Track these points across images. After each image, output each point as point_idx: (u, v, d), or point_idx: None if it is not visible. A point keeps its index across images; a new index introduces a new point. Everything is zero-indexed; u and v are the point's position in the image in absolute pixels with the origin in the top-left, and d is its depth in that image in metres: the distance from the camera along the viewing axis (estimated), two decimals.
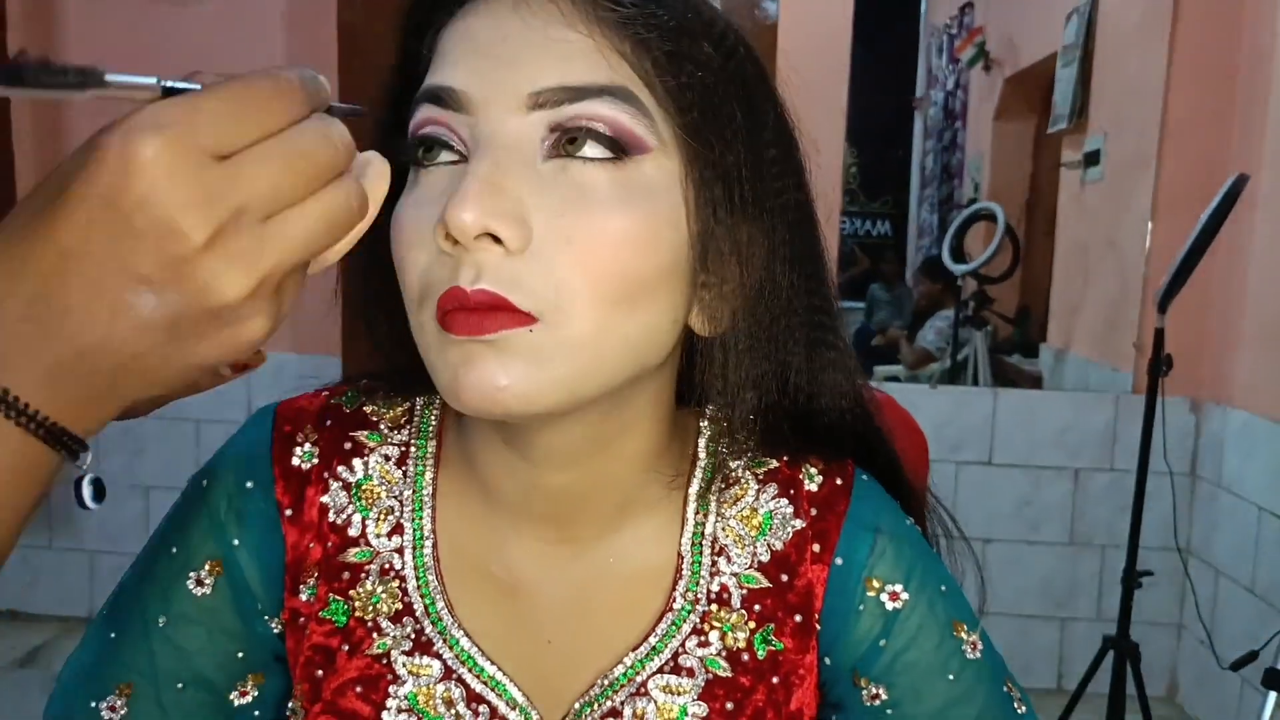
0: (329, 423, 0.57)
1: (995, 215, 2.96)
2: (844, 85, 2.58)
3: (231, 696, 0.56)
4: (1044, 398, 2.61)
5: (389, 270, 0.48)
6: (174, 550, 0.56)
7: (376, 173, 0.39)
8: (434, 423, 0.57)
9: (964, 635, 0.57)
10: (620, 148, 0.45)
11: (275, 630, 0.56)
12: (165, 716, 0.54)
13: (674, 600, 0.55)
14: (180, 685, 0.54)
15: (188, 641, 0.55)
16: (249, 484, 0.55)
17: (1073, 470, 2.54)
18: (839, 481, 0.58)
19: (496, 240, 0.43)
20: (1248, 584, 2.24)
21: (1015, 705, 0.58)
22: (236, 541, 0.55)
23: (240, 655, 0.56)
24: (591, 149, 0.45)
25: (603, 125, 0.45)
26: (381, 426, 0.57)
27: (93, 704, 0.54)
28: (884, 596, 0.56)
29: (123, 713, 0.54)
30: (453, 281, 0.44)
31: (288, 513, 0.55)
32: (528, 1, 0.46)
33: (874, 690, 0.56)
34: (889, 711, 0.56)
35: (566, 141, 0.45)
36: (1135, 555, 1.89)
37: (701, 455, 0.57)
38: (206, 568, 0.55)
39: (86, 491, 0.38)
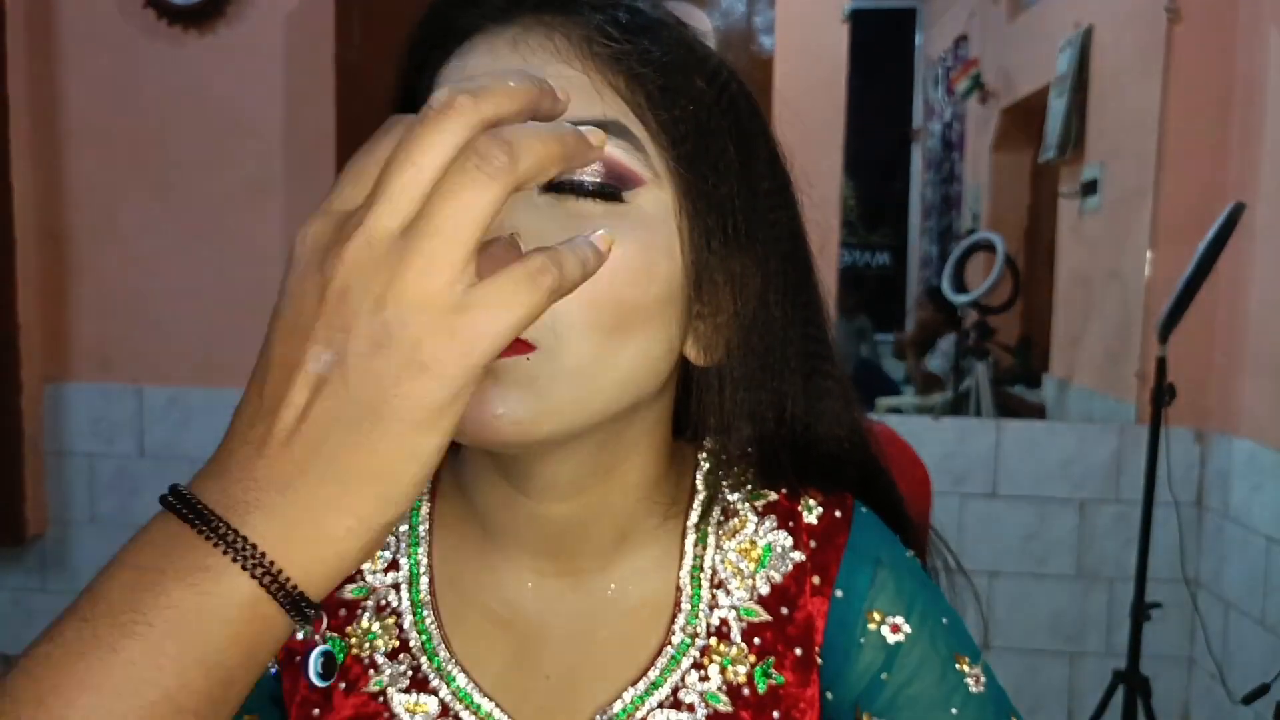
0: None
1: (994, 245, 2.96)
2: (841, 118, 2.59)
3: None
4: (1048, 429, 2.59)
5: None
6: None
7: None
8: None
9: (966, 668, 0.57)
10: (616, 180, 0.46)
11: (272, 671, 0.56)
12: None
13: (673, 634, 0.55)
14: None
15: None
16: None
17: (1078, 502, 2.51)
18: (838, 514, 0.58)
19: None
20: (1258, 616, 2.20)
21: None
22: None
23: None
24: (582, 176, 0.46)
25: (598, 162, 0.46)
26: None
27: None
28: (885, 629, 0.56)
29: None
30: None
31: None
32: (525, 39, 0.48)
33: None
34: None
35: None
36: (1143, 587, 1.86)
37: (699, 487, 0.58)
38: None
39: (314, 665, 0.37)
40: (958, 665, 0.56)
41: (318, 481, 0.33)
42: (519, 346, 0.44)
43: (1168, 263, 2.42)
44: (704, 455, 0.59)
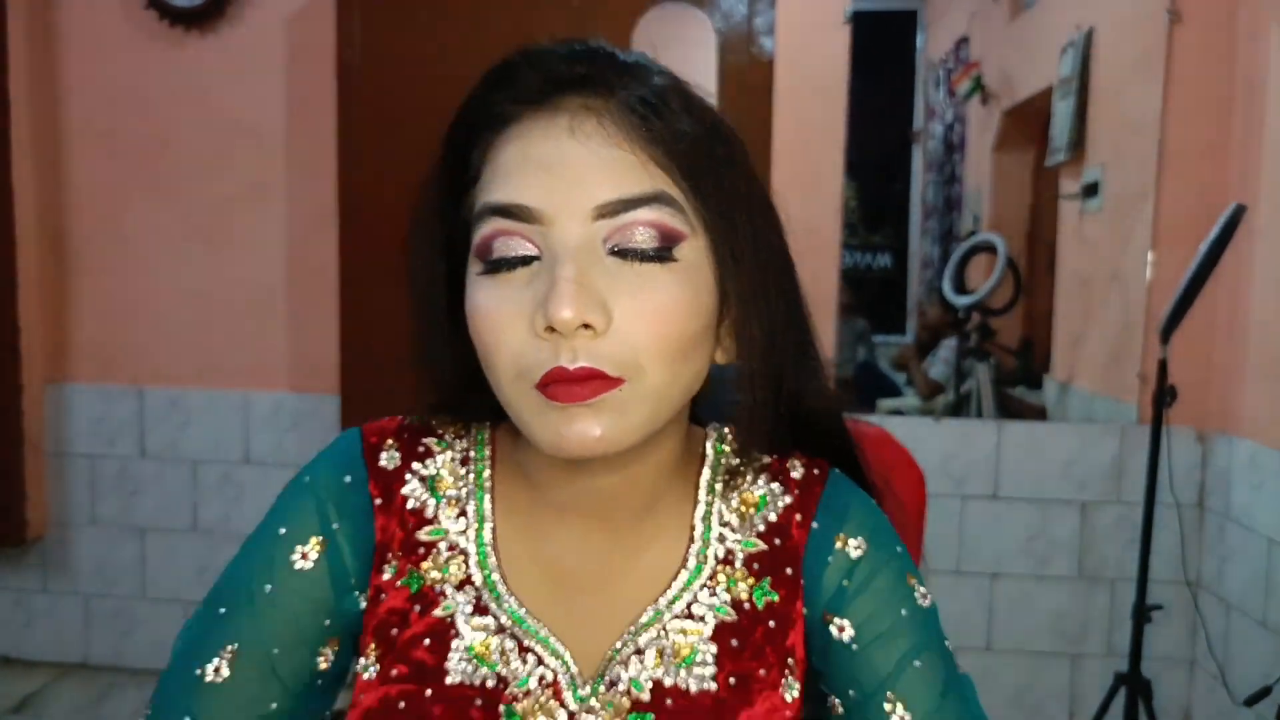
0: (405, 435, 0.71)
1: (996, 247, 2.95)
2: (842, 120, 2.59)
3: (318, 660, 0.67)
4: (1049, 430, 2.59)
5: (458, 331, 0.64)
6: (281, 531, 0.67)
7: None
8: (486, 435, 0.72)
9: (916, 585, 0.70)
10: (667, 240, 0.59)
11: (361, 605, 0.67)
12: (263, 678, 0.64)
13: (687, 560, 0.68)
14: (277, 651, 0.65)
15: (288, 607, 0.65)
16: (347, 478, 0.68)
17: (1080, 503, 2.51)
18: (816, 471, 0.73)
19: (586, 325, 0.56)
20: (1259, 618, 2.20)
21: (957, 665, 0.69)
22: (336, 525, 0.67)
23: (327, 623, 0.67)
24: (643, 243, 0.59)
25: (652, 229, 0.59)
26: (446, 437, 0.71)
27: (196, 671, 0.64)
28: (849, 548, 0.69)
29: (226, 674, 0.64)
30: (555, 362, 0.57)
31: (378, 502, 0.68)
32: (580, 125, 0.59)
33: (840, 623, 0.68)
34: (854, 646, 0.67)
35: (624, 242, 0.59)
36: (1145, 589, 1.86)
37: (709, 452, 0.72)
38: (312, 543, 0.67)
39: None
40: (909, 581, 0.69)
41: None
42: (610, 383, 0.57)
43: (1169, 264, 2.42)
44: (711, 427, 0.74)
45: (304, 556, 0.66)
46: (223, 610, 0.66)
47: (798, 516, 0.70)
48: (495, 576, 0.67)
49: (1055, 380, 3.01)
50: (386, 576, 0.67)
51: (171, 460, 2.71)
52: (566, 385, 0.57)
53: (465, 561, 0.68)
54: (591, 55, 0.61)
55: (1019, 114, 3.21)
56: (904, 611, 0.68)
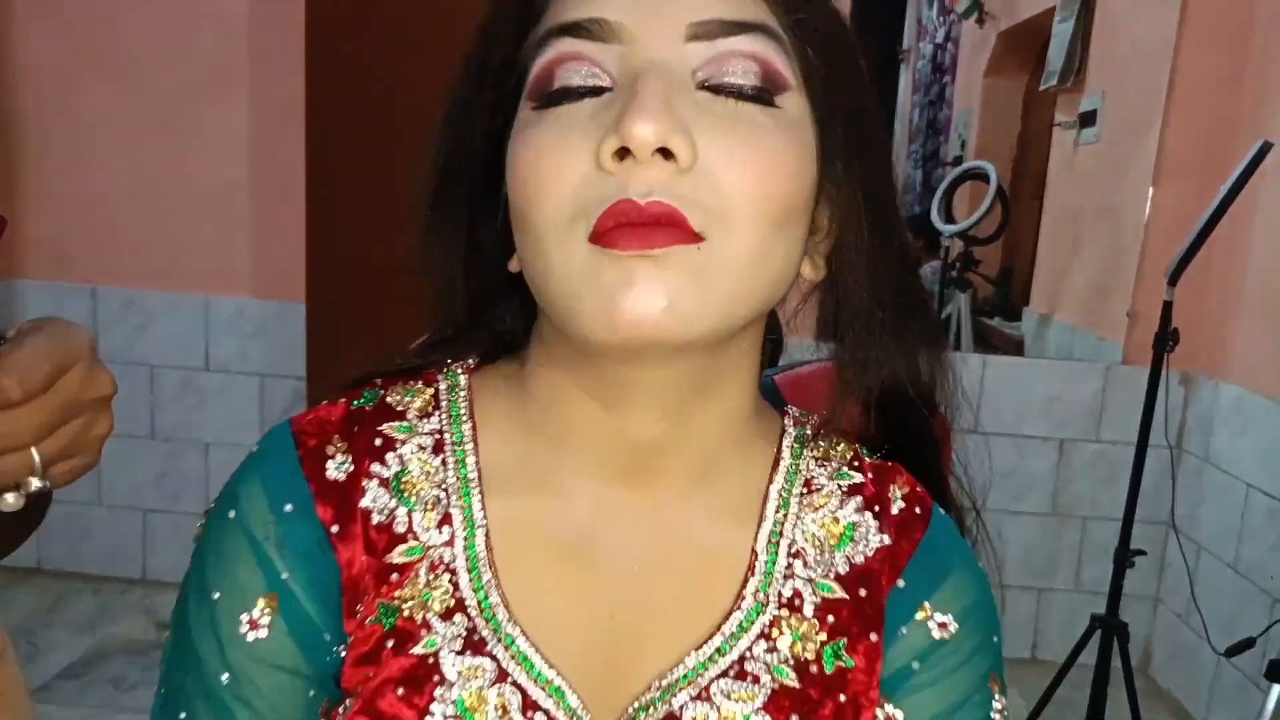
0: (356, 428, 0.53)
1: (988, 175, 2.88)
2: None
3: None
4: (1032, 365, 2.56)
5: (478, 224, 0.52)
6: (217, 596, 0.51)
7: None
8: (463, 406, 0.55)
9: (997, 693, 0.55)
10: (769, 83, 0.47)
11: (343, 656, 0.51)
12: None
13: (743, 598, 0.52)
14: None
15: (258, 695, 0.50)
16: (287, 507, 0.51)
17: (1058, 441, 2.49)
18: (918, 510, 0.57)
19: (667, 157, 0.44)
20: (1230, 561, 2.21)
21: None
22: (286, 575, 0.50)
23: (312, 694, 0.51)
24: (743, 79, 0.47)
25: (754, 63, 0.47)
26: (409, 416, 0.54)
27: None
28: (933, 624, 0.54)
29: None
30: (621, 195, 0.44)
31: (334, 530, 0.51)
32: None
33: (891, 713, 0.53)
34: None
35: (720, 75, 0.47)
36: (1129, 532, 1.85)
37: (785, 455, 0.56)
38: (260, 605, 0.50)
39: None
40: (991, 686, 0.55)
41: None
42: (689, 236, 0.44)
43: (1170, 201, 2.36)
44: (789, 421, 0.58)
45: (254, 625, 0.50)
46: (182, 715, 0.51)
47: (889, 566, 0.54)
48: (493, 598, 0.51)
49: (1035, 313, 2.97)
50: (359, 617, 0.51)
51: (128, 364, 2.60)
52: (633, 229, 0.43)
53: (453, 582, 0.51)
54: None
55: (1015, 35, 3.10)
56: None
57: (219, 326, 2.60)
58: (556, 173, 0.45)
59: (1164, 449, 2.39)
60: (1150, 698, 2.31)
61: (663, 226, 0.43)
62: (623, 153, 0.43)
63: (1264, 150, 1.61)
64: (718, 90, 0.46)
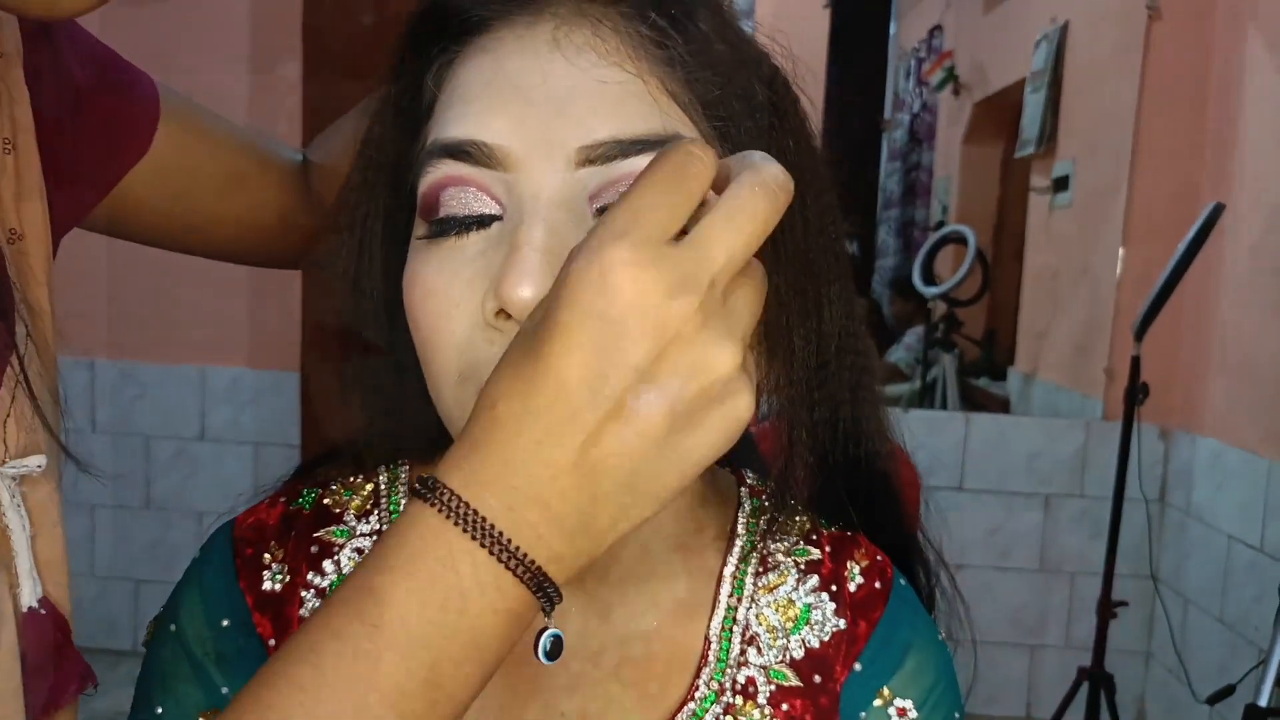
0: (292, 533, 0.52)
1: (966, 238, 2.96)
2: (819, 105, 2.55)
3: None
4: (1015, 423, 2.60)
5: (396, 331, 0.47)
6: (160, 711, 0.50)
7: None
8: (403, 502, 0.53)
9: None
10: None
11: None
12: None
13: (697, 688, 0.50)
14: None
15: None
16: (224, 622, 0.50)
17: (1043, 496, 2.52)
18: (877, 585, 0.54)
19: None
20: (1217, 614, 2.23)
21: None
22: (226, 689, 0.49)
23: None
24: None
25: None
26: (347, 518, 0.52)
27: None
28: (892, 710, 0.52)
29: None
30: None
31: (271, 643, 0.50)
32: (568, 36, 0.42)
33: None
34: None
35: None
36: (1110, 584, 1.87)
37: (741, 532, 0.53)
38: None
39: (545, 644, 0.40)
40: None
41: (604, 505, 0.35)
42: None
43: (1139, 261, 2.43)
44: (745, 491, 0.55)
45: None
46: None
47: (845, 651, 0.52)
48: None
49: (1019, 372, 3.02)
50: None
51: (122, 434, 2.62)
52: None
53: None
54: None
55: (990, 105, 3.21)
56: None
57: (216, 397, 2.64)
58: (444, 324, 0.42)
59: (1148, 503, 2.43)
60: None
61: None
62: (504, 312, 0.40)
63: (1216, 212, 1.68)
64: None
